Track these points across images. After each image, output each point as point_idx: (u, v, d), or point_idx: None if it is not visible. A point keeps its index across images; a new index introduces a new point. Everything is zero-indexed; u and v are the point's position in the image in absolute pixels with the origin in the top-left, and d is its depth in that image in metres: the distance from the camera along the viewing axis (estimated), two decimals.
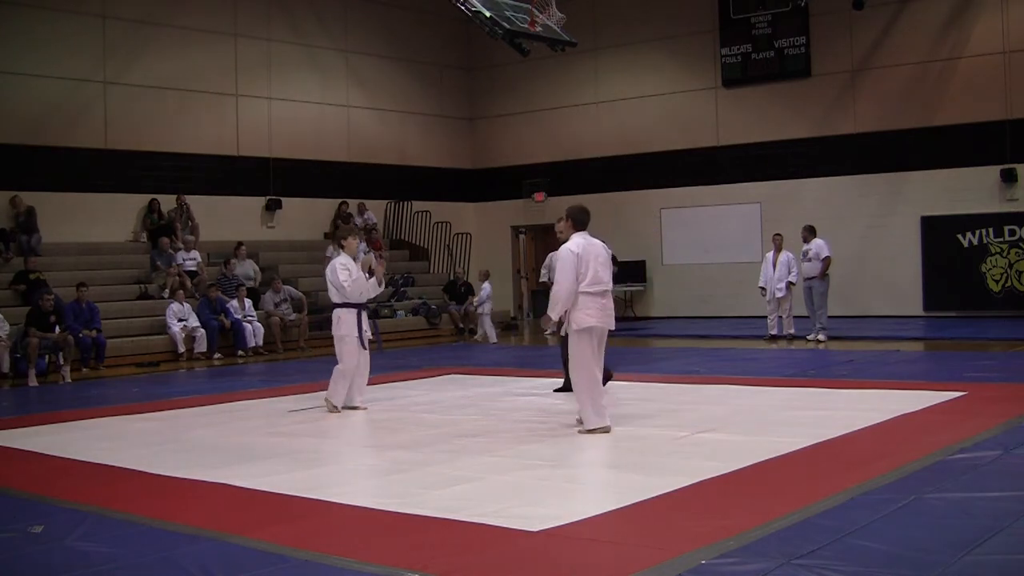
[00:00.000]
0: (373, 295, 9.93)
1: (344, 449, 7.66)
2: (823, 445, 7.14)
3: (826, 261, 15.78)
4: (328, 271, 9.78)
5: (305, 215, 20.94)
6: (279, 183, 20.52)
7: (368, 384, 9.99)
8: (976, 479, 5.91)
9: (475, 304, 19.14)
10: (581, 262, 7.82)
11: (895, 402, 8.87)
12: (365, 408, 9.70)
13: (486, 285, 18.88)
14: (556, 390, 10.29)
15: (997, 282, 18.45)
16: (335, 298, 9.73)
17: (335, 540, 5.09)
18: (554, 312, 7.94)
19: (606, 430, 7.88)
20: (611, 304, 8.04)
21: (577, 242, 7.93)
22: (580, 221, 8.04)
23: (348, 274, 9.56)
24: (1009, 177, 18.30)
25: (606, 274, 7.98)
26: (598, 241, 8.11)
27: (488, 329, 18.60)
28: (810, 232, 16.05)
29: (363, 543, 5.02)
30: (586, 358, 7.90)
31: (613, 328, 8.13)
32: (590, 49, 21.43)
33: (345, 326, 9.65)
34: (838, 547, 4.60)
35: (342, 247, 9.95)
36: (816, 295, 15.77)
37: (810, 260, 15.84)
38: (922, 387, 9.88)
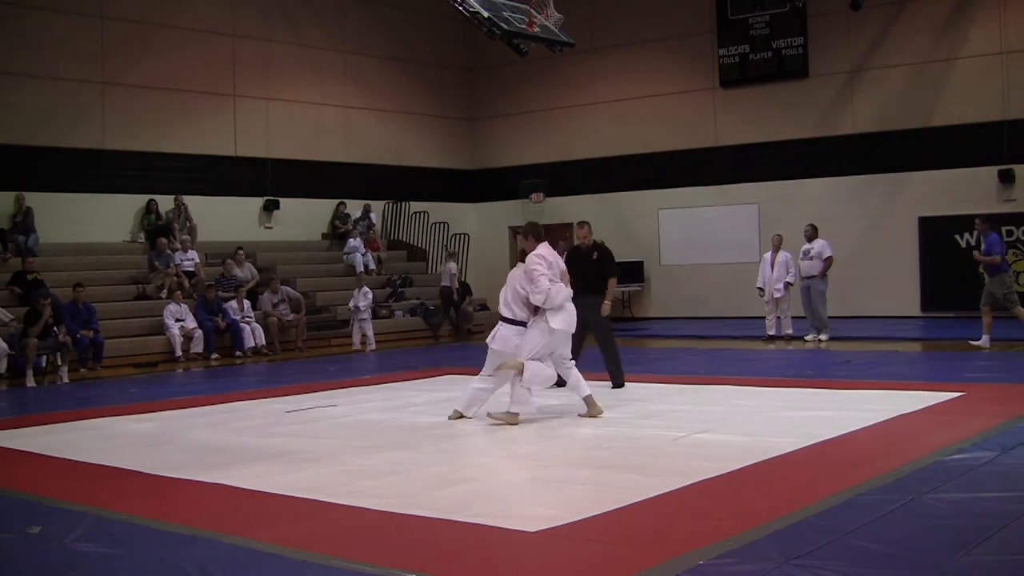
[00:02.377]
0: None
1: (343, 449, 7.65)
2: (821, 446, 7.14)
3: (828, 261, 15.77)
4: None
5: (303, 216, 20.93)
6: (277, 183, 20.51)
7: (368, 384, 9.93)
8: (974, 480, 5.92)
9: (354, 307, 17.61)
10: (551, 267, 8.47)
11: (893, 403, 8.87)
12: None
13: (366, 290, 17.74)
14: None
15: None
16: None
17: (335, 540, 5.08)
18: (557, 302, 8.40)
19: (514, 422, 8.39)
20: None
21: (546, 249, 8.60)
22: (539, 235, 8.79)
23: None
24: (1007, 178, 18.30)
25: (566, 280, 8.68)
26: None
27: (368, 334, 17.36)
28: (814, 231, 16.04)
29: (363, 543, 5.02)
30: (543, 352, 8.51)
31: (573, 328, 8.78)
32: (588, 50, 21.43)
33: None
34: (836, 548, 4.61)
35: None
36: (815, 294, 15.76)
37: (811, 259, 15.81)
38: (920, 388, 9.88)
